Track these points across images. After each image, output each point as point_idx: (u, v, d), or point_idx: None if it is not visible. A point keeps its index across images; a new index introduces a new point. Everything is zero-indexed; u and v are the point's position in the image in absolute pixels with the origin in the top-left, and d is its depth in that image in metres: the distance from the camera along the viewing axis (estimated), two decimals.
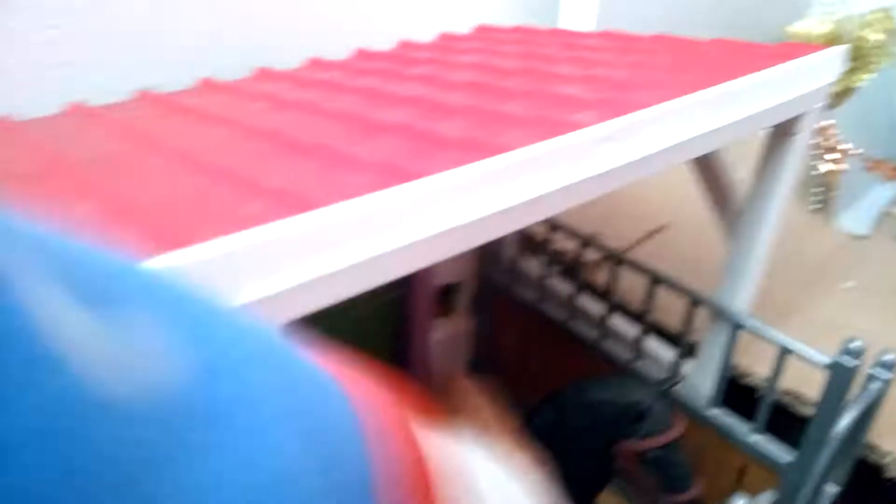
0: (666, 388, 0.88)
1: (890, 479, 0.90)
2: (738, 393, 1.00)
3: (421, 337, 1.24)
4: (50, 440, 0.13)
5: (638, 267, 0.98)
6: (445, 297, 1.28)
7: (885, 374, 0.77)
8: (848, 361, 0.78)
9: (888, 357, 0.76)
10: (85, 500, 0.14)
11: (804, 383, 0.98)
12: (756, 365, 1.01)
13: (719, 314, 0.90)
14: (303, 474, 0.21)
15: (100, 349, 0.15)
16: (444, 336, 1.28)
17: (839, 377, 0.79)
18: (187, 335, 0.20)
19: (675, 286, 0.93)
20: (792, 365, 0.96)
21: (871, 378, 0.78)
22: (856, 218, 1.28)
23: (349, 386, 0.27)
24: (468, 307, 1.30)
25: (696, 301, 0.92)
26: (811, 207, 1.31)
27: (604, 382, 0.89)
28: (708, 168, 0.85)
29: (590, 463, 0.87)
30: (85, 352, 0.15)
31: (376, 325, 1.22)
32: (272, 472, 0.19)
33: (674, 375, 0.89)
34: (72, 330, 0.15)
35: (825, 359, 0.81)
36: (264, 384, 0.21)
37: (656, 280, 0.96)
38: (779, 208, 0.85)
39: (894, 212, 1.31)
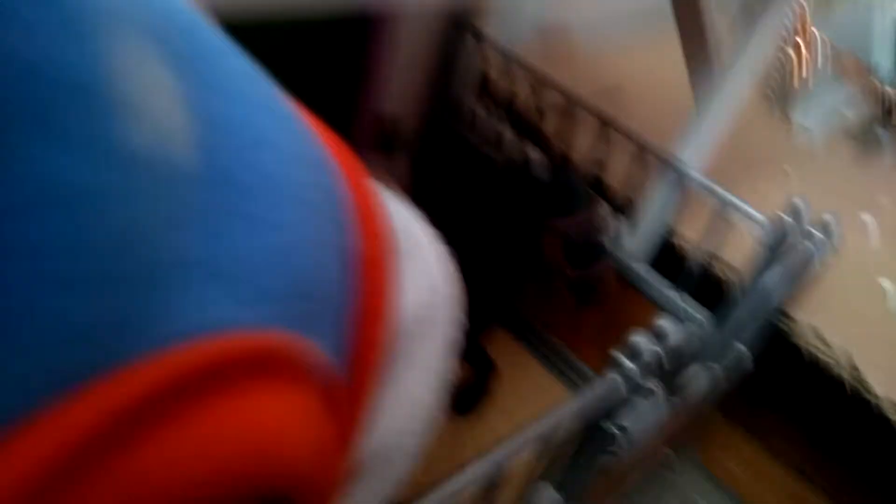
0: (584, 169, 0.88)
1: (803, 353, 0.93)
2: (668, 259, 0.99)
3: None
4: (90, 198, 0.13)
5: (588, 109, 0.94)
6: (387, 133, 1.22)
7: (816, 237, 0.76)
8: (786, 220, 0.77)
9: (827, 218, 0.75)
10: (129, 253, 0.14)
11: (735, 252, 0.98)
12: (689, 227, 1.00)
13: (665, 164, 0.87)
14: (304, 242, 0.20)
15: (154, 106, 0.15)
16: (386, 173, 1.22)
17: (773, 235, 0.79)
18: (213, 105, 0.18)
19: (622, 131, 0.90)
20: (724, 234, 0.96)
21: (801, 239, 0.77)
22: (807, 112, 1.27)
23: (327, 144, 0.26)
24: (410, 146, 1.24)
25: (642, 148, 0.89)
26: (769, 94, 1.29)
27: (530, 165, 0.87)
28: (689, 9, 0.81)
29: (511, 243, 0.86)
30: (140, 108, 0.14)
31: None
32: (283, 236, 0.19)
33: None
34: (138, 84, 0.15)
35: (762, 216, 0.80)
36: (277, 160, 0.20)
37: (605, 123, 0.92)
38: (756, 65, 0.82)
39: (846, 111, 1.30)
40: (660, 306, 0.95)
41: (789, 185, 1.13)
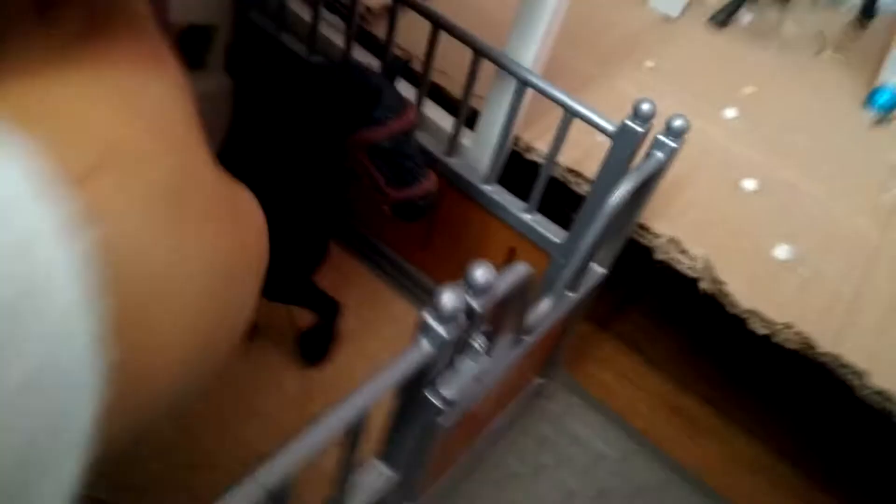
0: (395, 68, 0.73)
1: (658, 262, 0.86)
2: (518, 173, 0.89)
3: None
4: None
5: (419, 9, 0.80)
6: (193, 45, 1.03)
7: (670, 143, 0.67)
8: (635, 125, 0.68)
9: (678, 122, 0.66)
10: None
11: (587, 161, 0.89)
12: (539, 140, 0.90)
13: (504, 68, 0.76)
14: None
15: None
16: (195, 95, 1.05)
17: (624, 143, 0.69)
18: None
19: (457, 33, 0.77)
20: (576, 144, 0.86)
21: (655, 145, 0.68)
22: None
23: None
24: (224, 59, 1.06)
25: (479, 52, 0.77)
26: None
27: (325, 68, 0.73)
28: None
29: (319, 163, 0.73)
30: None
31: None
32: None
33: (405, 59, 0.74)
34: None
35: (611, 124, 0.71)
36: None
37: (439, 25, 0.79)
38: None
39: None
40: (508, 224, 0.85)
41: (648, 81, 1.04)
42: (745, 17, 1.22)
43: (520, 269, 0.52)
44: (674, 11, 1.17)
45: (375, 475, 0.59)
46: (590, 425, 1.07)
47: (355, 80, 0.69)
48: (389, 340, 1.07)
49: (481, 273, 0.46)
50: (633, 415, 1.11)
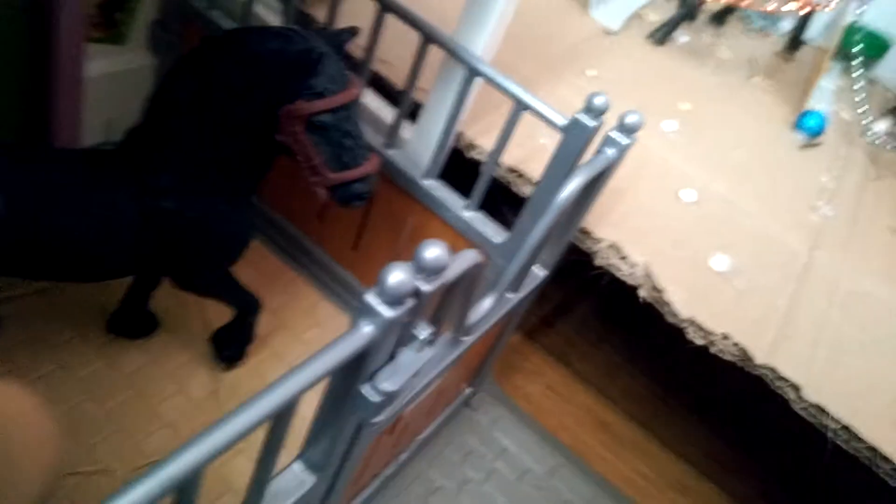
0: (341, 39, 0.68)
1: (597, 269, 0.84)
2: (456, 174, 0.86)
3: (67, 68, 0.91)
4: None
5: None
6: (112, 16, 0.95)
7: (623, 139, 0.65)
8: (588, 120, 0.65)
9: (631, 118, 0.64)
10: None
11: (529, 162, 0.86)
12: (482, 137, 0.87)
13: (454, 55, 0.72)
14: None
15: None
16: (109, 70, 0.97)
17: (575, 138, 0.67)
18: None
19: (405, 16, 0.73)
20: (519, 145, 0.84)
21: (607, 142, 0.66)
22: (610, 13, 1.18)
23: None
24: (148, 34, 0.99)
25: (428, 37, 0.73)
26: None
27: (264, 31, 0.68)
28: None
29: (248, 136, 0.67)
30: None
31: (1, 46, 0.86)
32: None
33: (351, 30, 0.69)
34: None
35: (562, 118, 0.68)
36: None
37: (386, 7, 0.74)
38: None
39: (646, 14, 1.23)
40: (447, 222, 0.81)
41: (590, 89, 1.03)
42: (682, 37, 1.24)
43: (470, 255, 0.48)
44: (614, 25, 1.17)
45: (295, 481, 0.53)
46: (517, 438, 1.03)
47: (295, 45, 0.63)
48: (311, 345, 1.00)
49: (432, 252, 0.41)
50: (559, 429, 1.08)
